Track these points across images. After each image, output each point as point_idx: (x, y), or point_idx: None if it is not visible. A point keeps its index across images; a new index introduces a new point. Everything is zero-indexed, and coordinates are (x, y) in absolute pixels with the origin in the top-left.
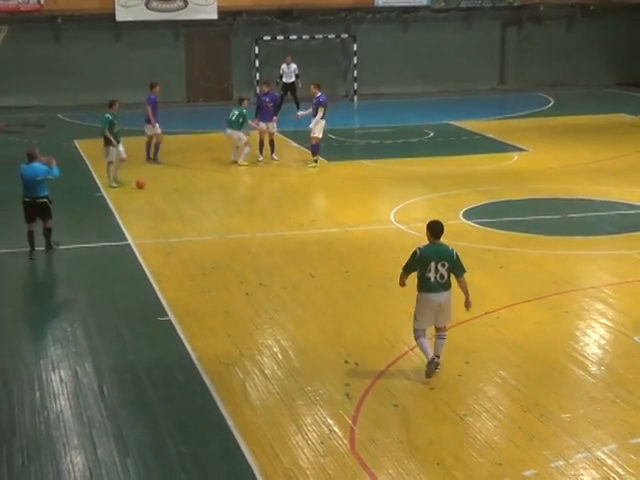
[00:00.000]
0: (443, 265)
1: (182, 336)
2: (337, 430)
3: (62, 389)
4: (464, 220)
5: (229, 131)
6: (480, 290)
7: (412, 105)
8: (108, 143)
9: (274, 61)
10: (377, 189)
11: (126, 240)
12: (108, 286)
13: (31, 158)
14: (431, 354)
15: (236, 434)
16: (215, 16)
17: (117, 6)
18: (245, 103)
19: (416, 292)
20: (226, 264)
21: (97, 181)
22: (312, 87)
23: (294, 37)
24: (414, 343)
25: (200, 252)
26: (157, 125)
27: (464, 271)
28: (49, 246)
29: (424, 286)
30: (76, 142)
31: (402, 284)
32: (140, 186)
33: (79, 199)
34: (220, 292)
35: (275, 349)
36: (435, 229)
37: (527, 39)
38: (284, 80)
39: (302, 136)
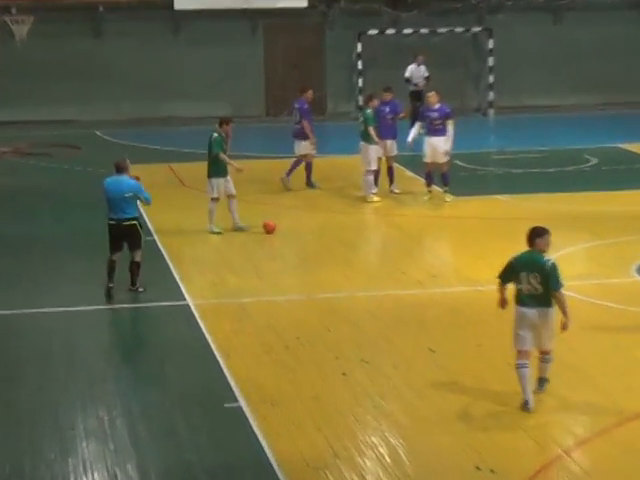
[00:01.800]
0: (535, 277)
1: (256, 430)
2: None
3: None
4: (638, 277)
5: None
6: None
7: (567, 122)
8: (215, 174)
9: (383, 62)
10: (519, 235)
11: (184, 299)
12: (158, 360)
13: (119, 170)
14: (529, 393)
15: None
16: (305, 3)
17: None
18: (375, 102)
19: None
20: (317, 334)
21: (147, 220)
22: (431, 95)
23: (409, 31)
24: (569, 444)
25: (282, 317)
26: (314, 142)
27: (561, 285)
28: (133, 284)
29: (518, 299)
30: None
31: (501, 301)
32: (269, 230)
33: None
34: (308, 371)
35: (381, 449)
36: (531, 234)
37: None
38: (413, 86)
39: (418, 161)
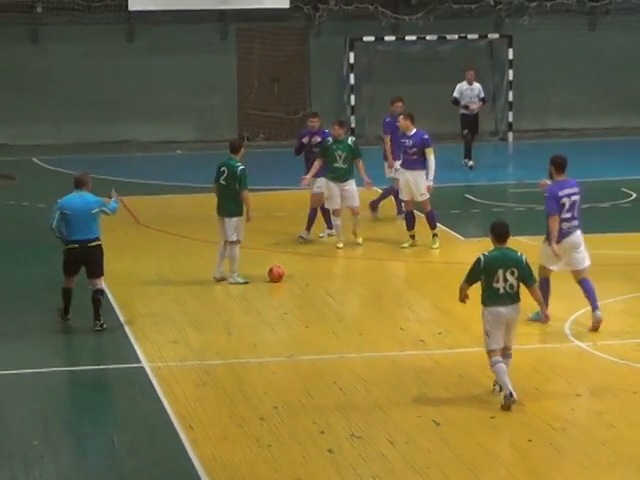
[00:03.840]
0: (512, 273)
1: None
2: None
3: None
4: None
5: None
6: None
7: (603, 149)
8: (240, 212)
9: (381, 76)
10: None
11: (138, 361)
12: (107, 434)
13: (80, 185)
14: (510, 386)
15: None
16: (286, 4)
17: None
18: (340, 131)
19: (481, 307)
20: (298, 403)
21: None
22: (402, 118)
23: (412, 37)
24: None
25: (256, 383)
26: (396, 164)
27: (535, 280)
28: (98, 319)
29: (492, 299)
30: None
31: (463, 299)
32: (276, 278)
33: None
34: (287, 448)
35: None
36: (500, 231)
37: None
38: (463, 109)
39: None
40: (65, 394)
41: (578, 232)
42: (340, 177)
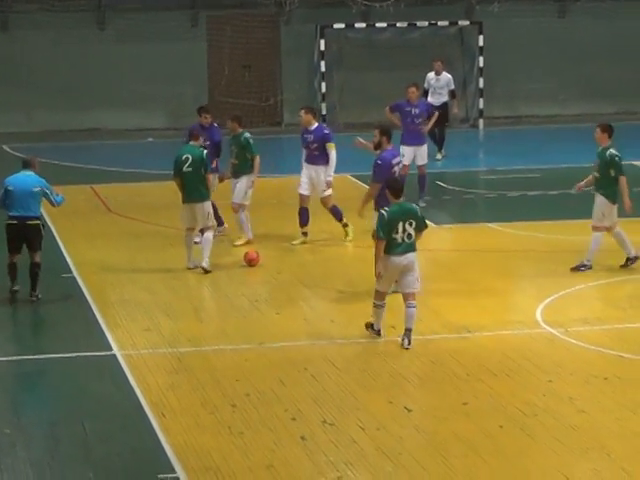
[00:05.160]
0: (410, 224)
1: None
2: None
3: None
4: None
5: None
6: None
7: (573, 135)
8: (204, 197)
9: (352, 63)
10: (514, 270)
11: (109, 349)
12: (78, 422)
13: (26, 165)
14: (379, 326)
15: None
16: None
17: None
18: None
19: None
20: (270, 390)
21: (65, 254)
22: (303, 112)
23: (382, 24)
24: None
25: (227, 370)
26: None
27: (427, 225)
28: (34, 290)
29: (391, 248)
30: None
31: (378, 254)
32: (252, 262)
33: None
34: (260, 435)
35: None
36: (397, 188)
37: None
38: (431, 99)
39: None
40: (37, 382)
41: None
42: (234, 173)
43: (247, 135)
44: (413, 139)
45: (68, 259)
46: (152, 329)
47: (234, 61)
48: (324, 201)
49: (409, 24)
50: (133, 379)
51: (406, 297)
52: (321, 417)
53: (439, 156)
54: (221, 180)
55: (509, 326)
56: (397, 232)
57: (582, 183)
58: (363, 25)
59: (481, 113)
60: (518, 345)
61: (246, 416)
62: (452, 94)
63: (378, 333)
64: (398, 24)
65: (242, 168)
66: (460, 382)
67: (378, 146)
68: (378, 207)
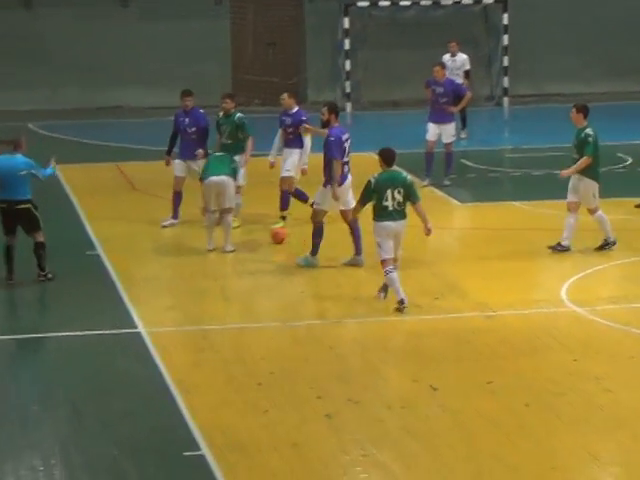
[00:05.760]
0: (399, 192)
1: None
2: None
3: None
4: None
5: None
6: None
7: (599, 114)
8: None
9: (375, 41)
10: (539, 250)
11: (134, 326)
12: (104, 399)
13: (14, 147)
14: (402, 293)
15: None
16: None
17: None
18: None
19: (373, 222)
20: (295, 368)
21: (89, 231)
22: (286, 96)
23: (407, 2)
24: None
25: (253, 348)
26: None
27: (419, 198)
28: (42, 270)
29: (382, 215)
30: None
31: (354, 217)
32: (278, 240)
33: (61, 258)
34: (285, 413)
35: None
36: (388, 156)
37: None
38: None
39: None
40: (62, 359)
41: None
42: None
43: (240, 115)
44: (437, 117)
45: (92, 236)
46: (177, 307)
47: (258, 39)
48: (281, 181)
49: (433, 2)
50: (158, 357)
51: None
52: (346, 395)
53: (463, 135)
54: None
55: (534, 305)
56: (387, 199)
57: (571, 169)
58: (387, 3)
59: (506, 91)
60: (543, 324)
61: (271, 394)
62: (466, 74)
63: (401, 303)
64: (422, 2)
65: (235, 148)
66: (485, 360)
67: (327, 123)
68: (327, 181)
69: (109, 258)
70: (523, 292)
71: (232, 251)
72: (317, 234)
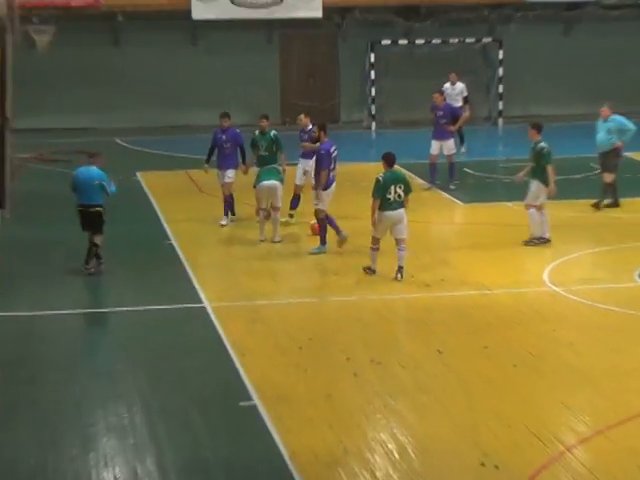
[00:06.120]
0: (400, 187)
1: (270, 427)
2: None
3: None
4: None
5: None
6: None
7: (575, 131)
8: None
9: (395, 72)
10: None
11: (200, 302)
12: (176, 360)
13: (90, 158)
14: (374, 267)
15: None
16: (319, 14)
17: (193, 1)
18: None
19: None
20: (329, 335)
21: (165, 225)
22: (303, 116)
23: (421, 41)
24: (571, 442)
25: (295, 319)
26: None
27: (412, 190)
28: (87, 263)
29: (385, 206)
30: (139, 175)
31: (374, 209)
32: (316, 232)
33: (142, 248)
34: (320, 371)
35: (390, 446)
36: (390, 159)
37: None
38: None
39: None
40: (142, 328)
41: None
42: (264, 164)
43: (274, 132)
44: (438, 135)
45: (168, 230)
46: (234, 286)
47: (301, 71)
48: (296, 187)
49: (442, 41)
50: (219, 326)
51: (398, 242)
52: (370, 357)
53: (463, 149)
54: (245, 172)
55: (521, 285)
56: (390, 193)
57: (522, 174)
58: (405, 41)
59: (500, 113)
60: (528, 300)
61: (309, 356)
62: (465, 100)
63: (373, 272)
64: (434, 41)
65: (271, 160)
66: (481, 330)
67: (318, 139)
68: (316, 186)
69: (181, 247)
70: (513, 275)
71: (279, 241)
72: (323, 227)
